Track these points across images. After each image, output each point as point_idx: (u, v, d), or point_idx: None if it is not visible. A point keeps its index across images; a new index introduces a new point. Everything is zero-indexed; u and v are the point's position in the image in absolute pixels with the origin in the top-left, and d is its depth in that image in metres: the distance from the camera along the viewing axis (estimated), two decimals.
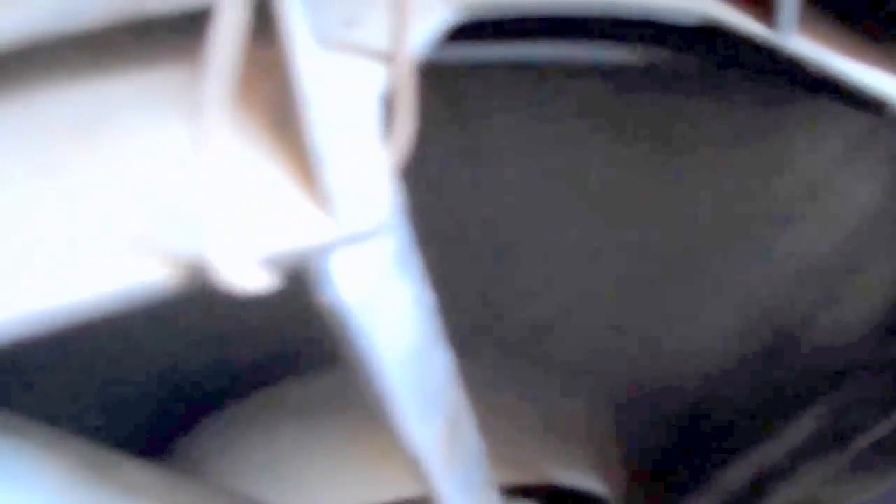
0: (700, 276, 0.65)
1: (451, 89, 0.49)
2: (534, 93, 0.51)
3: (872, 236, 0.61)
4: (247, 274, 0.23)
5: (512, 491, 0.66)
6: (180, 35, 0.27)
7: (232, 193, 0.24)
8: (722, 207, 0.62)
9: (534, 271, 0.63)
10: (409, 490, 0.54)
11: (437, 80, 0.47)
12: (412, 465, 0.37)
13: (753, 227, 0.63)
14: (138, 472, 0.45)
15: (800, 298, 0.66)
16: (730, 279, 0.66)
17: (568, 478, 0.70)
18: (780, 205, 0.62)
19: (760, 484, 0.59)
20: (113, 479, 0.40)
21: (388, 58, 0.29)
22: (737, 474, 0.60)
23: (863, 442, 0.53)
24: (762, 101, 0.55)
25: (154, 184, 0.25)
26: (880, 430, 0.52)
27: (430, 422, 0.36)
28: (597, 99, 0.52)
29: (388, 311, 0.32)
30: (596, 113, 0.53)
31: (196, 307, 0.57)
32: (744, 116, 0.56)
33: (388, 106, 0.29)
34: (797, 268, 0.65)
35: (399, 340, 0.33)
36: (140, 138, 0.26)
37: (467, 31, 0.36)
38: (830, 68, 0.36)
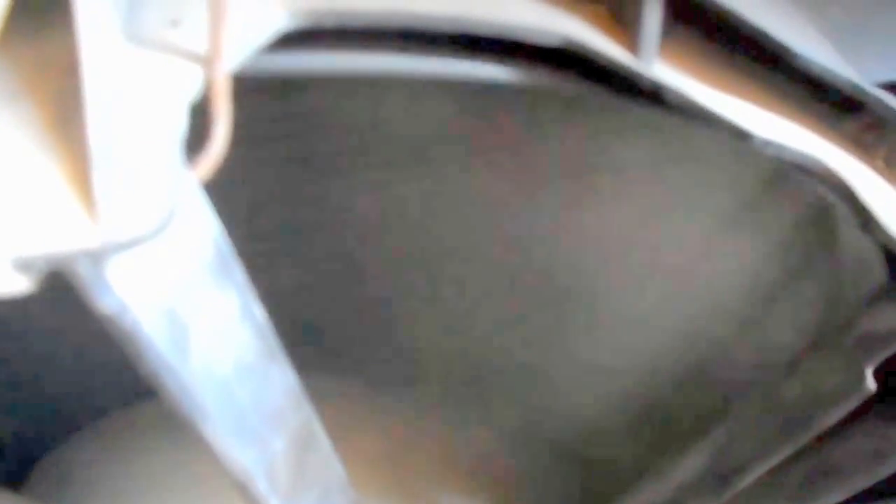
0: (607, 304, 0.63)
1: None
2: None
3: (783, 271, 0.60)
4: None
5: None
6: None
7: None
8: (632, 237, 0.61)
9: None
10: None
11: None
12: (237, 490, 0.35)
13: (665, 258, 0.62)
14: None
15: (711, 330, 0.65)
16: (641, 309, 0.65)
17: None
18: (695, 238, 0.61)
19: None
20: None
21: (204, 61, 0.27)
22: None
23: (742, 482, 0.51)
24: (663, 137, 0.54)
25: None
26: (760, 470, 0.51)
27: (259, 445, 0.34)
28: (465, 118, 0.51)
29: (202, 324, 0.30)
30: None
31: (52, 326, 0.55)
32: (651, 147, 0.56)
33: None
34: (711, 300, 0.64)
35: (218, 356, 0.31)
36: None
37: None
38: (690, 98, 0.35)
